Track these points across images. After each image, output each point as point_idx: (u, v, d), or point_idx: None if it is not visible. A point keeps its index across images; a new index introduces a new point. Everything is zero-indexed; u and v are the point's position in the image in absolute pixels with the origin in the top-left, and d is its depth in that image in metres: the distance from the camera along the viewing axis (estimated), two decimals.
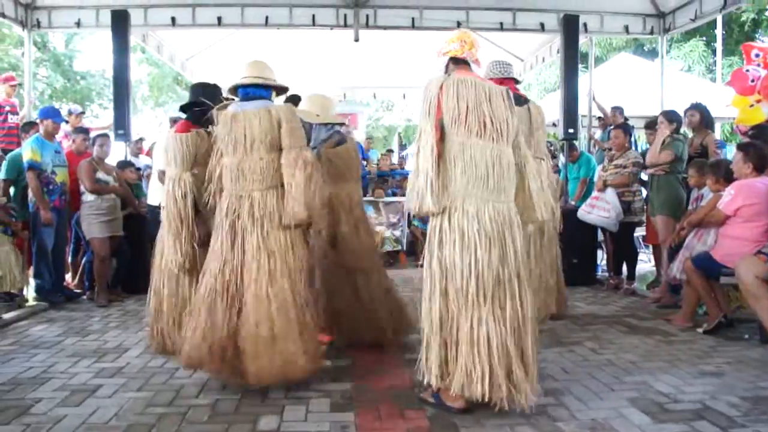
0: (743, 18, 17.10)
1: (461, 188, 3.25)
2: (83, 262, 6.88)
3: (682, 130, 6.74)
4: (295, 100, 5.17)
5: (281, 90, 4.14)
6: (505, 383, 3.11)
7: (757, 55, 7.03)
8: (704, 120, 6.55)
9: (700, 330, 5.01)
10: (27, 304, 6.16)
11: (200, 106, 4.36)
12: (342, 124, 5.01)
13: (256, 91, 3.90)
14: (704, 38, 18.28)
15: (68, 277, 7.10)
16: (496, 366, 3.11)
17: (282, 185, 3.74)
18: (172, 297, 4.50)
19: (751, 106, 6.90)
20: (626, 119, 8.37)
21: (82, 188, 6.43)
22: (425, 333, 3.30)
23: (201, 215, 4.44)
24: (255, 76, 3.90)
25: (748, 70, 7.06)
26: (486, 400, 3.12)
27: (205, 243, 4.39)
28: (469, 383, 3.14)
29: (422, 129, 3.32)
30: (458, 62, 3.50)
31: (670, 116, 6.39)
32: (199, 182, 4.37)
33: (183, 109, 4.75)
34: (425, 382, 3.32)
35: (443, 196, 3.25)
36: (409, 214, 9.54)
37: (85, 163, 6.41)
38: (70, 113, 8.33)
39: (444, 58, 3.55)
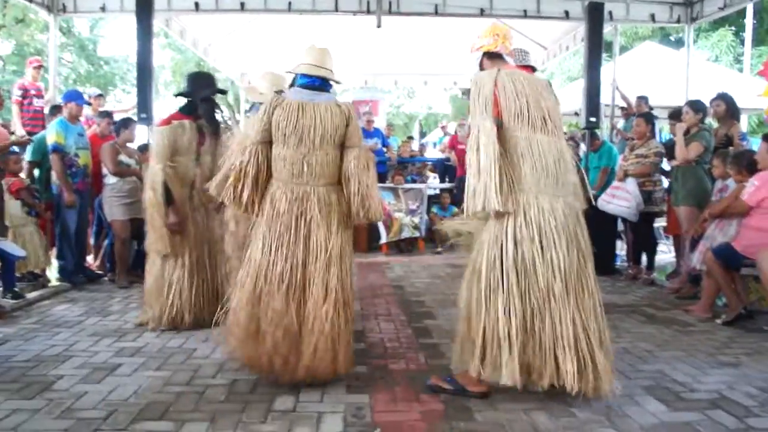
0: None
1: (533, 185, 3.20)
2: (105, 244, 6.98)
3: (707, 121, 6.65)
4: None
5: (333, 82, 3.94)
6: (591, 373, 3.11)
7: None
8: (730, 110, 6.45)
9: (719, 321, 4.97)
10: (50, 284, 6.27)
11: (206, 98, 4.46)
12: None
13: (322, 82, 3.73)
14: (733, 28, 17.93)
15: (90, 258, 7.21)
16: (584, 357, 3.11)
17: (340, 182, 3.66)
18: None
19: None
20: (651, 109, 8.28)
21: (104, 171, 6.51)
22: (492, 333, 3.17)
23: (175, 204, 4.66)
24: (321, 66, 3.71)
25: None
26: (573, 391, 3.10)
27: (177, 231, 4.64)
28: (557, 376, 3.12)
29: (479, 126, 3.20)
30: (492, 57, 3.45)
31: (696, 106, 6.31)
32: (180, 172, 4.69)
33: (185, 96, 4.89)
34: (501, 381, 3.17)
35: (510, 195, 3.18)
36: (428, 200, 9.54)
37: (108, 146, 6.49)
38: (89, 97, 8.41)
39: (477, 54, 3.49)
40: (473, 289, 3.27)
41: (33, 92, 8.09)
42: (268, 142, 3.62)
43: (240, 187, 3.61)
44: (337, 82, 3.86)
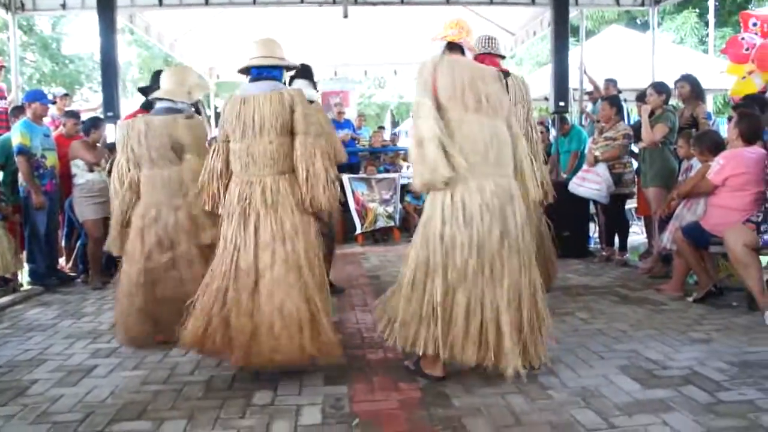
0: None
1: (461, 164, 3.26)
2: (77, 245, 6.89)
3: (672, 102, 6.74)
4: (307, 70, 5.41)
5: (290, 68, 4.10)
6: (494, 353, 3.19)
7: (754, 24, 6.98)
8: (694, 91, 6.54)
9: (690, 299, 5.06)
10: (21, 289, 6.18)
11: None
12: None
13: (267, 71, 3.78)
14: (696, 10, 18.17)
15: (62, 260, 7.12)
16: (490, 337, 3.18)
17: (292, 171, 3.66)
18: None
19: (744, 77, 6.89)
20: (619, 92, 8.37)
21: (73, 171, 6.41)
22: (421, 307, 3.28)
23: None
24: (265, 56, 3.79)
25: (743, 38, 7.00)
26: (476, 365, 3.25)
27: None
28: (463, 353, 3.22)
29: (420, 102, 3.33)
30: (453, 48, 3.54)
31: (659, 88, 6.40)
32: None
33: (143, 93, 4.87)
34: (418, 353, 3.33)
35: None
36: (402, 190, 9.55)
37: (78, 143, 6.42)
38: (54, 97, 8.26)
39: (440, 43, 3.56)
40: (406, 267, 3.39)
41: None
42: (227, 141, 3.75)
43: (213, 186, 3.78)
44: (293, 66, 4.01)
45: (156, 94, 4.50)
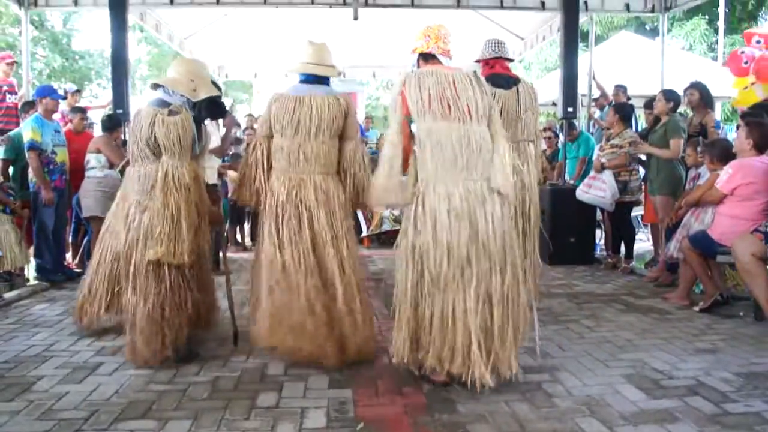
0: None
1: (432, 171, 3.31)
2: (84, 242, 6.91)
3: (681, 109, 6.72)
4: None
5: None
6: (467, 361, 3.18)
7: (758, 42, 7.01)
8: (704, 99, 6.53)
9: (696, 308, 5.05)
10: (28, 284, 6.20)
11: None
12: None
13: (319, 77, 3.92)
14: (706, 16, 18.12)
15: (68, 256, 7.14)
16: (460, 344, 3.18)
17: (337, 172, 3.86)
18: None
19: (746, 88, 6.93)
20: (628, 98, 8.35)
21: (92, 164, 6.40)
22: (398, 315, 3.37)
23: None
24: (319, 63, 3.92)
25: (743, 52, 7.07)
26: (455, 375, 3.25)
27: None
28: (440, 362, 3.24)
29: (390, 122, 3.46)
30: (427, 58, 3.59)
31: (669, 95, 6.39)
32: None
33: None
34: (394, 361, 3.42)
35: (413, 186, 3.35)
36: None
37: (104, 138, 6.48)
38: (65, 92, 8.29)
39: (414, 56, 3.63)
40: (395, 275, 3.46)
41: (5, 88, 7.94)
42: (270, 136, 3.87)
43: (253, 178, 3.91)
44: (338, 75, 4.21)
45: (157, 80, 4.18)
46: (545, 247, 5.40)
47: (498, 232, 3.28)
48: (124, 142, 7.02)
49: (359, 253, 3.91)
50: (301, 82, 3.92)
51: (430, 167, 3.30)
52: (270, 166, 3.88)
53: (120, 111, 7.32)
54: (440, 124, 3.31)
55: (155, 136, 3.78)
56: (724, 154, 5.25)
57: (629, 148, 6.67)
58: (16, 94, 8.02)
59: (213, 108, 4.08)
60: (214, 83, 4.23)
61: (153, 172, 3.78)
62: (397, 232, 9.88)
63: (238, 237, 9.00)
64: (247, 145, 3.98)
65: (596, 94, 9.37)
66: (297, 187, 3.74)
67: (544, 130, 8.99)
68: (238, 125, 9.94)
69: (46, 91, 6.53)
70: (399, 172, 3.37)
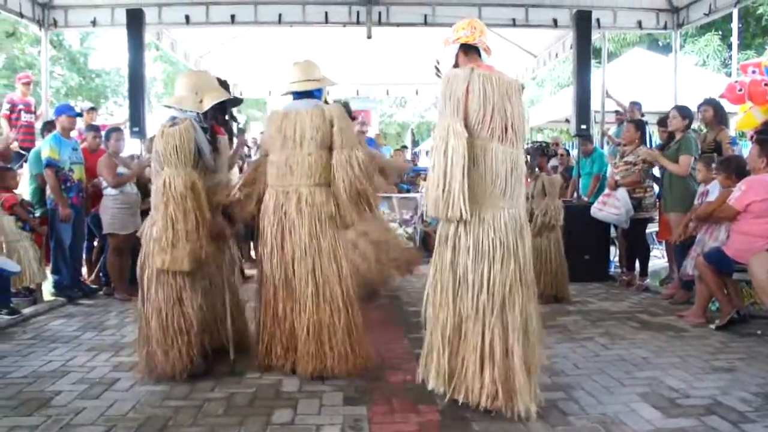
0: (760, 11, 16.89)
1: (480, 194, 3.16)
2: (100, 258, 6.97)
3: (695, 126, 6.71)
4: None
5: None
6: (506, 391, 3.10)
7: (753, 71, 7.14)
8: (718, 116, 6.51)
9: (712, 326, 5.01)
10: (45, 300, 6.25)
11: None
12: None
13: (307, 91, 4.03)
14: (719, 32, 18.07)
15: (84, 272, 7.19)
16: (499, 374, 3.09)
17: (329, 184, 3.84)
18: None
19: (745, 111, 7.04)
20: (643, 115, 8.35)
21: (104, 183, 6.48)
22: (431, 338, 3.30)
23: None
24: (303, 80, 4.01)
25: (736, 81, 7.19)
26: (488, 406, 3.13)
27: None
28: (471, 391, 3.16)
29: (450, 128, 3.11)
30: (468, 50, 3.39)
31: (683, 112, 6.38)
32: None
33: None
34: (428, 386, 3.33)
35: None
36: (422, 211, 9.54)
37: (105, 159, 6.50)
38: (82, 110, 8.41)
39: (453, 46, 3.40)
40: (425, 296, 3.35)
41: (21, 107, 8.10)
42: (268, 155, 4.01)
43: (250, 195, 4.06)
44: (332, 83, 4.18)
45: (166, 101, 4.36)
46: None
47: (530, 262, 3.24)
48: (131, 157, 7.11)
49: (347, 266, 3.85)
50: (294, 99, 4.05)
51: (479, 189, 3.16)
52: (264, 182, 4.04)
53: (136, 129, 7.41)
54: (495, 145, 3.16)
55: (156, 150, 3.92)
56: (739, 170, 5.24)
57: (643, 165, 6.66)
58: (32, 113, 8.17)
59: (218, 109, 4.20)
60: (220, 82, 4.39)
61: (160, 185, 3.88)
62: None
63: (252, 253, 9.02)
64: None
65: (609, 109, 9.37)
66: (283, 200, 3.81)
67: (553, 145, 8.98)
68: (248, 146, 10.04)
69: (63, 110, 6.64)
70: (460, 180, 3.05)
